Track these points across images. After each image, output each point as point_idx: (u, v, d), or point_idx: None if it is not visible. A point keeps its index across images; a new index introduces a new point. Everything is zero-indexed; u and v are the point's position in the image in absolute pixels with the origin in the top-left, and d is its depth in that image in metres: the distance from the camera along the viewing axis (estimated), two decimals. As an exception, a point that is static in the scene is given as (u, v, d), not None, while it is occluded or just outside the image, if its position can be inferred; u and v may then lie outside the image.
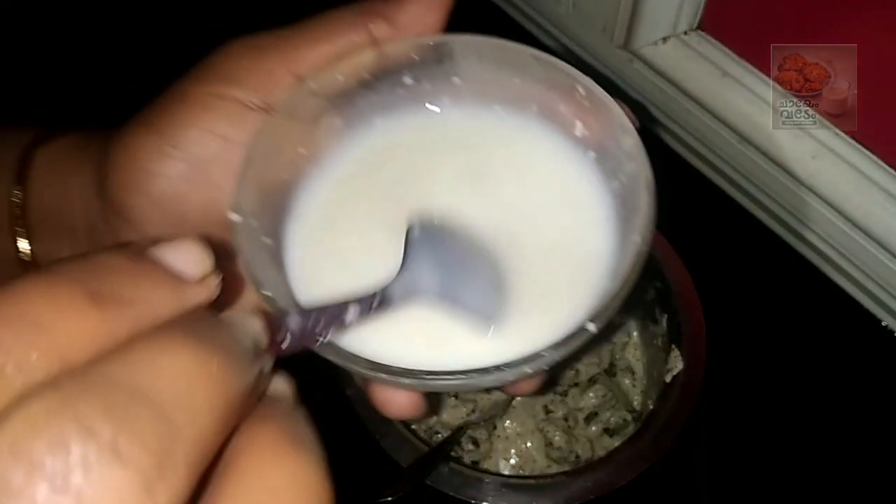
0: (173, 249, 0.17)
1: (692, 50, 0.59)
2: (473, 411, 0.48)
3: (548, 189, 0.32)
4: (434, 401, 0.48)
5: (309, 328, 0.22)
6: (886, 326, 0.53)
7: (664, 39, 0.60)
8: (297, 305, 0.27)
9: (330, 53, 0.30)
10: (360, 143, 0.32)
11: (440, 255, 0.28)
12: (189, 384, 0.15)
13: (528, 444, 0.48)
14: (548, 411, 0.49)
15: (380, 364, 0.25)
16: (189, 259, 0.18)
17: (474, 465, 0.47)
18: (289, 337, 0.21)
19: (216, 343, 0.16)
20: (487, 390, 0.48)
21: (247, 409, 0.17)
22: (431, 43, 0.31)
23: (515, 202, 0.31)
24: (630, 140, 0.28)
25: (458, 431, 0.48)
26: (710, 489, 0.49)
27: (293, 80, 0.30)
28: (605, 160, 0.30)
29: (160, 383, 0.14)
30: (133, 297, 0.16)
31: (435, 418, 0.49)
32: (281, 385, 0.19)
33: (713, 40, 0.59)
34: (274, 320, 0.20)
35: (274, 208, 0.30)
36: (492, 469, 0.48)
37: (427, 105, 0.33)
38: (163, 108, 0.30)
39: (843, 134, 0.52)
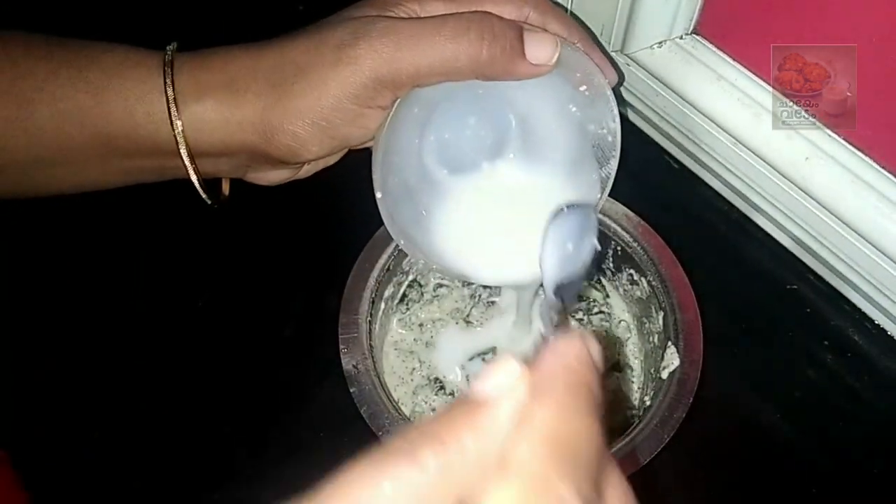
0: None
1: (688, 54, 0.60)
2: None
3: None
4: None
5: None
6: (880, 326, 0.54)
7: (660, 43, 0.61)
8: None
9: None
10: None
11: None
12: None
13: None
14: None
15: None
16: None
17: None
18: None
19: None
20: None
21: None
22: None
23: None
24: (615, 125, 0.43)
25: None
26: (708, 485, 0.49)
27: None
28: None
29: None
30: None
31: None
32: None
33: (709, 44, 0.59)
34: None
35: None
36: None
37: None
38: (310, 88, 0.37)
39: (836, 136, 0.52)
